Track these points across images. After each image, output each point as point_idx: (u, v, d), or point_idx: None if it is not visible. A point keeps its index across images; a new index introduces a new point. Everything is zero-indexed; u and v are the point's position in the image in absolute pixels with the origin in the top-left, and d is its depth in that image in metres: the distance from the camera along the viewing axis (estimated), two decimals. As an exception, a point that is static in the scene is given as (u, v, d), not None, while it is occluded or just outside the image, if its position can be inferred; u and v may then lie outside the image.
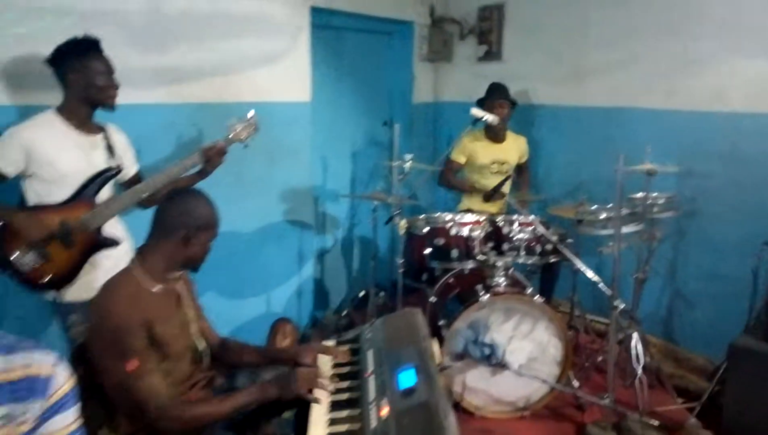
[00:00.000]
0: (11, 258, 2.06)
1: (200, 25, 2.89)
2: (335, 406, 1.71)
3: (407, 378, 1.67)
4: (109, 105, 2.18)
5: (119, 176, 2.30)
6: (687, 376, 3.18)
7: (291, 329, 2.88)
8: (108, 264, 2.23)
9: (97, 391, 1.67)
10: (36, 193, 2.13)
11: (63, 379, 1.10)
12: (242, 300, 3.38)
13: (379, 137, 4.27)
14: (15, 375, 1.04)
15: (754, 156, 2.96)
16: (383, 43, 4.25)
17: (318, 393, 1.74)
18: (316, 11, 3.45)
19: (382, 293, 3.59)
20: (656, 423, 2.53)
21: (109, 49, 2.17)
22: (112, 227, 2.28)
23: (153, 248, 1.75)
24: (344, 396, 1.75)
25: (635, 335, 2.80)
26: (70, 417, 1.11)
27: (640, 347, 2.80)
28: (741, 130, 3.02)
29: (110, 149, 2.26)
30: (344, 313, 3.76)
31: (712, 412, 2.71)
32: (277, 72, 3.28)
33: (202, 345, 1.91)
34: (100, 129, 2.25)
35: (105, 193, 2.24)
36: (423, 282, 3.17)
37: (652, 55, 3.37)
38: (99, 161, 2.22)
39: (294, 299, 3.72)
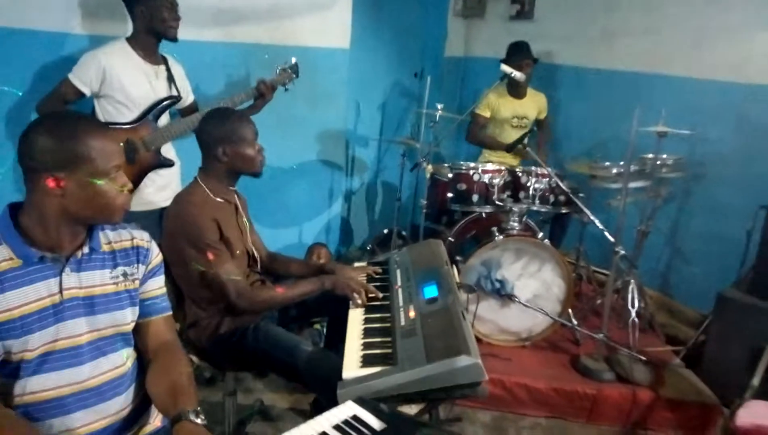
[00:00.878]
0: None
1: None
2: (369, 309, 2.06)
3: (431, 290, 2.01)
4: (171, 36, 2.46)
5: (177, 104, 2.62)
6: (678, 326, 3.52)
7: (326, 252, 3.26)
8: (160, 182, 2.57)
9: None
10: (106, 112, 2.44)
11: (156, 252, 1.46)
12: (276, 229, 3.72)
13: (409, 87, 4.53)
14: (126, 244, 1.40)
15: (764, 126, 3.20)
16: (420, -3, 4.46)
17: (356, 296, 2.09)
18: (360, -37, 3.68)
19: (404, 232, 3.92)
20: (644, 359, 2.87)
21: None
22: (167, 150, 2.60)
23: (207, 166, 2.06)
24: (377, 303, 2.10)
25: (633, 282, 3.12)
26: (161, 282, 1.48)
27: (636, 293, 3.12)
28: (755, 101, 3.25)
29: (171, 79, 2.57)
30: (368, 248, 4.10)
31: (697, 358, 3.06)
32: (322, 19, 3.53)
33: (258, 251, 2.26)
34: (163, 60, 2.56)
35: (164, 118, 2.57)
36: (443, 224, 3.51)
37: (681, 24, 3.56)
38: (161, 89, 2.53)
39: (323, 233, 4.07)
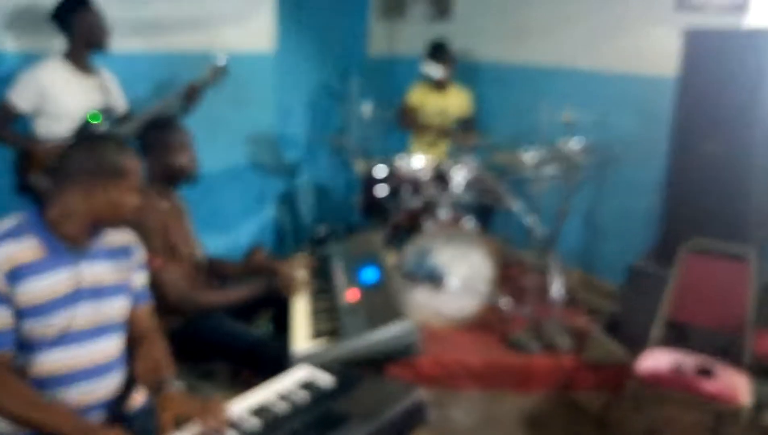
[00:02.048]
0: (31, 180, 2.64)
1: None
2: (314, 294, 2.40)
3: (370, 273, 2.38)
4: (106, 45, 2.74)
5: (113, 112, 2.88)
6: (598, 300, 4.06)
7: (264, 254, 3.55)
8: None
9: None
10: (45, 127, 2.69)
11: (139, 250, 1.77)
12: (208, 235, 3.93)
13: (335, 87, 4.89)
14: (120, 241, 1.72)
15: (660, 113, 3.76)
16: (342, -1, 4.84)
17: (297, 290, 2.42)
18: (281, -33, 4.01)
19: (339, 229, 4.28)
20: (567, 328, 3.36)
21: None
22: None
23: (149, 173, 2.29)
24: (320, 289, 2.45)
25: (554, 259, 3.61)
26: (144, 276, 1.80)
27: (557, 269, 3.62)
28: (647, 91, 3.84)
29: (105, 90, 2.84)
30: (306, 250, 4.43)
31: (614, 325, 3.58)
32: (246, 24, 3.84)
33: (200, 254, 2.56)
34: (96, 72, 2.82)
35: (103, 126, 2.82)
36: (376, 219, 3.89)
37: (582, 20, 4.13)
38: (96, 100, 2.79)
39: (256, 237, 4.36)
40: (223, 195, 3.97)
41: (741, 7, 3.51)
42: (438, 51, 4.19)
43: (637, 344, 3.18)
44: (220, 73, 3.03)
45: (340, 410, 1.52)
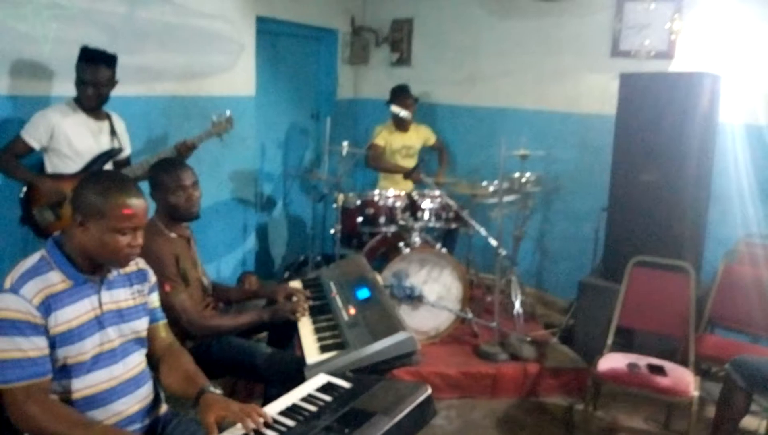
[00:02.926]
0: (33, 213, 2.66)
1: (168, 30, 3.52)
2: (314, 314, 2.49)
3: (363, 292, 2.50)
4: (88, 106, 2.76)
5: (119, 155, 2.93)
6: (553, 314, 4.28)
7: (255, 280, 3.63)
8: None
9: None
10: (53, 165, 2.72)
11: (151, 273, 1.85)
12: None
13: (307, 128, 5.04)
14: (134, 268, 1.78)
15: (598, 147, 4.07)
16: (313, 48, 5.03)
17: (298, 314, 2.50)
18: (260, 20, 4.17)
19: (318, 257, 4.38)
20: (529, 339, 3.55)
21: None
22: None
23: (157, 208, 2.41)
24: (317, 304, 2.54)
25: (514, 279, 3.82)
26: (157, 295, 1.87)
27: (517, 287, 3.82)
28: (589, 127, 4.15)
29: (113, 133, 2.89)
30: (285, 276, 4.49)
31: (569, 335, 3.79)
32: (230, 70, 3.97)
33: (206, 279, 2.62)
34: (107, 116, 2.87)
35: (107, 168, 2.86)
36: (353, 247, 4.01)
37: (528, 67, 4.43)
38: (105, 142, 2.84)
39: (239, 267, 4.41)
40: (211, 228, 4.02)
41: (667, 54, 3.88)
42: (402, 93, 4.40)
43: (591, 351, 3.38)
44: (225, 126, 3.11)
45: (363, 407, 1.62)
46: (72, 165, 2.73)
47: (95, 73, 2.68)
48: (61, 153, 2.69)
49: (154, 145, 3.49)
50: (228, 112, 3.12)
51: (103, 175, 1.74)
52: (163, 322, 1.86)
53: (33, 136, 2.62)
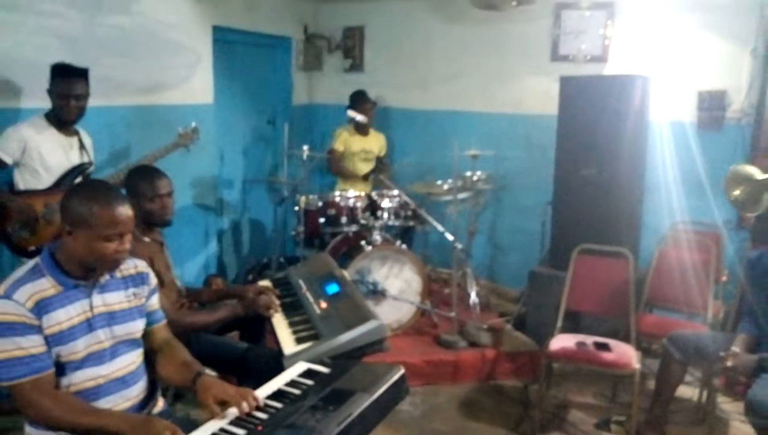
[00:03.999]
0: (8, 231, 2.68)
1: (127, 41, 3.57)
2: (287, 311, 2.61)
3: (333, 287, 2.64)
4: (65, 119, 2.80)
5: (87, 169, 2.98)
6: (506, 303, 4.52)
7: (221, 281, 3.72)
8: None
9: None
10: (25, 180, 2.75)
11: (152, 276, 1.94)
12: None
13: (265, 134, 5.14)
14: (133, 271, 1.87)
15: (542, 145, 4.33)
16: (268, 55, 5.13)
17: (271, 311, 2.62)
18: (216, 29, 4.25)
19: (282, 259, 4.48)
20: (486, 327, 3.77)
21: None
22: None
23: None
24: (291, 306, 2.67)
25: (469, 270, 4.04)
26: (157, 298, 1.95)
27: (472, 279, 4.04)
28: (533, 127, 4.41)
29: (83, 148, 2.94)
30: (249, 278, 4.57)
31: (522, 322, 4.03)
32: (189, 79, 4.03)
33: (179, 282, 2.71)
34: (75, 132, 2.91)
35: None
36: (315, 247, 4.14)
37: (476, 71, 4.67)
38: (75, 158, 2.89)
39: (201, 271, 4.46)
40: (173, 234, 4.04)
41: (601, 58, 4.19)
42: (359, 98, 4.56)
43: (542, 335, 3.62)
44: (192, 137, 3.19)
45: (343, 387, 1.77)
46: (43, 180, 2.76)
47: (74, 86, 2.74)
48: (33, 168, 2.72)
49: (117, 155, 3.54)
50: (194, 124, 3.21)
51: (88, 186, 1.81)
52: (163, 323, 1.96)
53: (5, 150, 2.64)
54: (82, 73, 2.79)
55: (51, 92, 2.75)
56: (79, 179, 2.89)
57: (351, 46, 5.26)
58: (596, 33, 4.21)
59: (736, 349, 2.64)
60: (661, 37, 4.00)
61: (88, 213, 1.63)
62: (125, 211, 1.70)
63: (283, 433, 1.55)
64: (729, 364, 2.58)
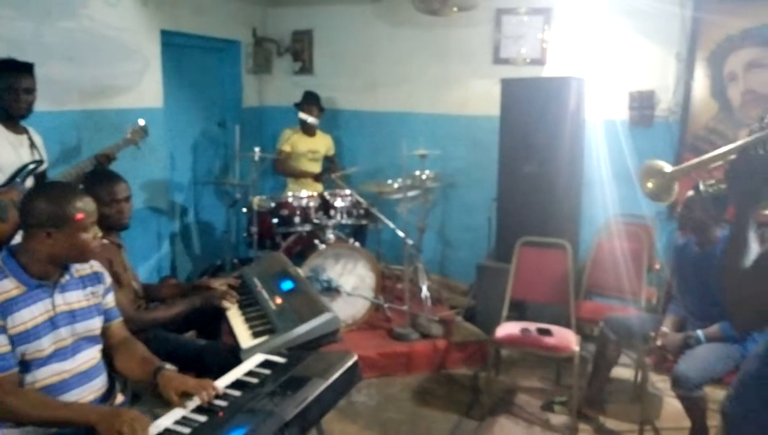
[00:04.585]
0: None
1: (75, 45, 3.55)
2: (243, 307, 2.68)
3: (287, 284, 2.72)
4: (18, 115, 2.81)
5: (39, 167, 2.95)
6: (456, 297, 4.69)
7: (175, 282, 3.72)
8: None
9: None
10: None
11: (107, 275, 1.99)
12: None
13: (215, 136, 5.15)
14: (88, 271, 1.92)
15: (486, 144, 4.51)
16: (217, 58, 5.15)
17: (227, 303, 2.68)
18: (165, 33, 4.25)
19: (236, 260, 4.51)
20: (437, 319, 3.91)
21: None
22: None
23: None
24: (247, 303, 2.73)
25: (420, 265, 4.18)
26: (112, 297, 2.01)
27: (423, 274, 4.18)
28: (477, 127, 4.60)
29: (33, 146, 2.92)
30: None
31: (472, 314, 4.19)
32: (138, 83, 4.03)
33: (137, 283, 2.73)
34: (24, 130, 2.89)
35: (28, 181, 2.89)
36: (268, 248, 4.19)
37: (422, 74, 4.83)
38: (25, 156, 2.86)
39: (154, 273, 4.45)
40: (128, 236, 4.03)
41: (540, 61, 4.41)
42: (308, 100, 4.65)
43: (490, 325, 3.77)
44: (141, 134, 3.20)
45: (300, 374, 1.86)
46: (-6, 179, 2.73)
47: (22, 80, 2.74)
48: None
49: (67, 159, 3.50)
50: (141, 121, 3.23)
51: (52, 187, 1.89)
52: (118, 320, 2.01)
53: None
54: (28, 68, 2.79)
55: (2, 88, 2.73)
56: (30, 178, 2.87)
57: (300, 50, 5.34)
58: (534, 37, 4.43)
59: (664, 329, 2.87)
60: (594, 41, 4.25)
61: (62, 212, 1.71)
62: (90, 201, 1.82)
63: (244, 417, 1.63)
64: (658, 343, 2.80)
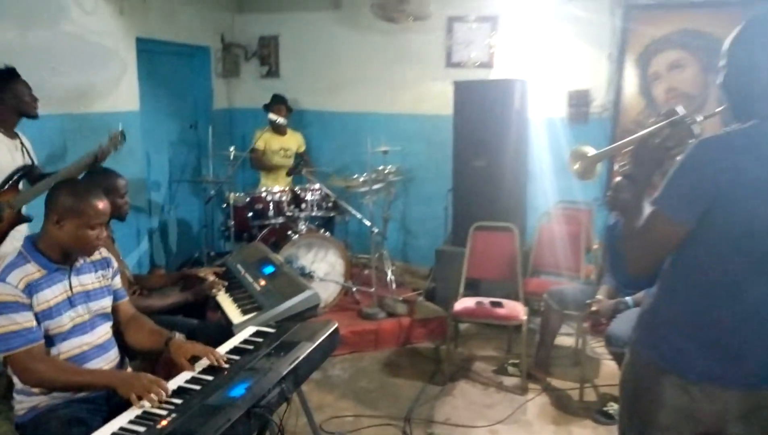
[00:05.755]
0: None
1: (57, 52, 3.70)
2: (230, 291, 2.91)
3: (269, 268, 2.98)
4: (33, 114, 3.01)
5: (34, 170, 3.12)
6: (418, 280, 5.01)
7: (164, 272, 3.91)
8: (17, 235, 3.06)
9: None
10: None
11: (113, 260, 2.22)
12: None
13: (188, 137, 5.32)
14: (99, 257, 2.14)
15: (441, 141, 4.83)
16: (188, 64, 5.33)
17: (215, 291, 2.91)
18: (140, 40, 4.42)
19: (212, 253, 4.72)
20: (401, 299, 4.23)
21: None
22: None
23: None
24: (233, 286, 2.97)
25: (385, 252, 4.48)
26: (119, 280, 2.23)
27: (388, 260, 4.49)
28: (433, 126, 4.93)
29: (25, 150, 3.08)
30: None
31: (432, 294, 4.52)
32: (116, 88, 4.19)
33: (128, 272, 2.94)
34: (16, 135, 3.06)
35: (23, 183, 3.05)
36: (245, 240, 4.41)
37: (381, 76, 5.12)
38: (19, 159, 3.03)
39: (135, 269, 4.61)
40: (109, 233, 4.21)
41: (488, 64, 4.76)
42: (276, 102, 4.89)
43: (449, 303, 4.10)
44: (120, 139, 3.37)
45: (290, 339, 2.13)
46: (-9, 181, 2.89)
47: (25, 84, 2.95)
48: None
49: (53, 162, 3.65)
50: (120, 127, 3.40)
51: (76, 182, 2.09)
52: (126, 299, 2.24)
53: None
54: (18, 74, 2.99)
55: (6, 97, 2.89)
56: (23, 180, 3.04)
57: (267, 54, 5.56)
58: (483, 42, 4.78)
59: (599, 296, 3.25)
60: (536, 45, 4.62)
61: (78, 205, 1.90)
62: (107, 203, 2.00)
63: (246, 374, 1.89)
64: (594, 308, 3.18)
